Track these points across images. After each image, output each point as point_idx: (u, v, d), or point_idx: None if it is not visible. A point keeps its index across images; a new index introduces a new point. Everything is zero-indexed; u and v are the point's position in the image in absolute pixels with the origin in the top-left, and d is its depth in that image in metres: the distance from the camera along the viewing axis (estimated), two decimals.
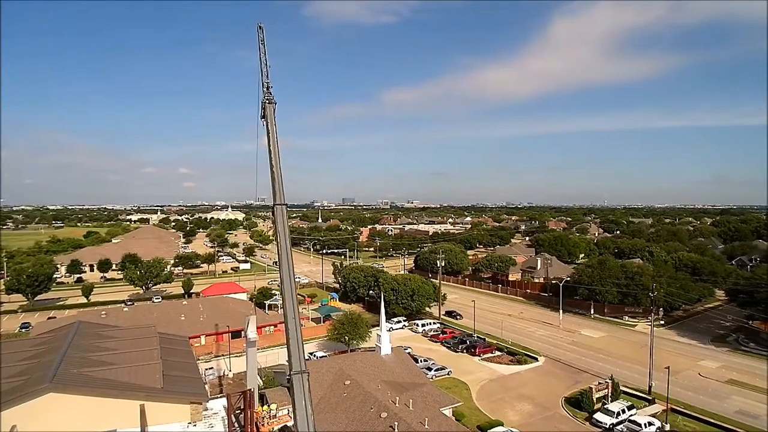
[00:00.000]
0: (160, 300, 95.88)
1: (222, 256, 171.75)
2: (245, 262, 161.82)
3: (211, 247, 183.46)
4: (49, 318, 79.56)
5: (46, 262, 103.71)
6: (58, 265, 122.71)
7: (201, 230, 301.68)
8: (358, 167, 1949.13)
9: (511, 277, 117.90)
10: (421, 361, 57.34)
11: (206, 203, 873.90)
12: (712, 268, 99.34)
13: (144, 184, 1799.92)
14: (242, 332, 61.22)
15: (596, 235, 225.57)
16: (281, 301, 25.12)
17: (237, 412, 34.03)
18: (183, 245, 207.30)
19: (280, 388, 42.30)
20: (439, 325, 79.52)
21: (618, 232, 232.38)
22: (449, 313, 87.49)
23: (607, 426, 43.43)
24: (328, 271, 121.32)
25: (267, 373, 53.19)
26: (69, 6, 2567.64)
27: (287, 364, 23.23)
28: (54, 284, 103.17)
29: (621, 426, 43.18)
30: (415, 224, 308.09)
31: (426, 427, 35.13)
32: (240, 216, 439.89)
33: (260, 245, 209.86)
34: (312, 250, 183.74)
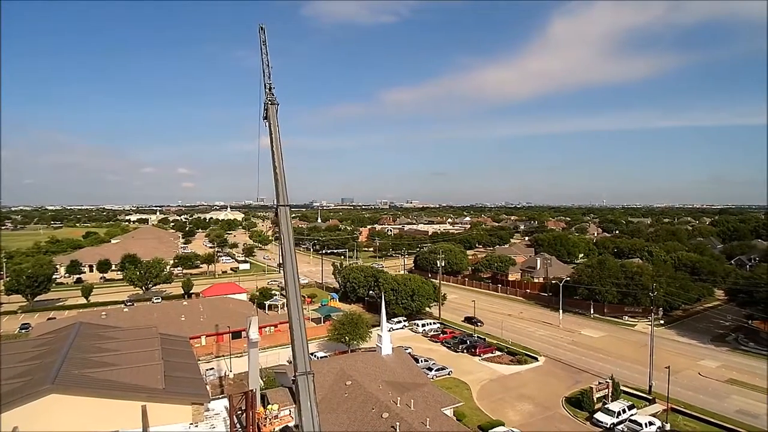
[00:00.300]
0: (159, 300, 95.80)
1: (221, 256, 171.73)
2: (245, 262, 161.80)
3: (211, 247, 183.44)
4: (48, 319, 79.26)
5: (45, 263, 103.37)
6: (58, 266, 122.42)
7: (200, 230, 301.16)
8: (357, 167, 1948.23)
9: (510, 277, 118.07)
10: (421, 361, 57.36)
11: (205, 203, 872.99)
12: (711, 267, 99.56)
13: (143, 185, 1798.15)
14: (243, 333, 61.36)
15: (595, 234, 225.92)
16: (284, 303, 25.16)
17: (239, 413, 34.06)
18: (182, 245, 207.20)
19: (280, 388, 42.18)
20: (439, 325, 79.61)
21: (617, 231, 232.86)
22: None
23: (608, 426, 43.51)
24: (327, 271, 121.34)
25: (268, 374, 53.15)
26: (69, 6, 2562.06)
27: (290, 364, 23.25)
28: (53, 285, 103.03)
29: (621, 426, 43.26)
30: (415, 224, 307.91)
31: (427, 427, 35.18)
32: (239, 216, 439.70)
33: (260, 245, 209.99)
34: (312, 250, 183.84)
